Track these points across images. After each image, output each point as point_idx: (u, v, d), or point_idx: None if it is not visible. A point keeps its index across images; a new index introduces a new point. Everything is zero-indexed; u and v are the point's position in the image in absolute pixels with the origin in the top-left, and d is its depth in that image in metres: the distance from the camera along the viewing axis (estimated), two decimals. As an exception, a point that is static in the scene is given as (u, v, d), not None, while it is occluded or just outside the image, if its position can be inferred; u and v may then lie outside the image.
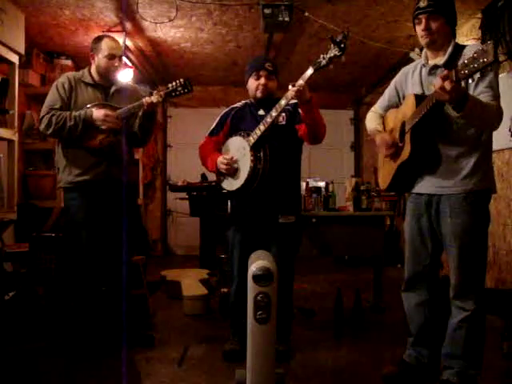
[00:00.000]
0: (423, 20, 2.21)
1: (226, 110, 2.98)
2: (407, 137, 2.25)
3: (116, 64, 2.88)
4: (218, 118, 2.97)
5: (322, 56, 2.42)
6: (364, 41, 4.79)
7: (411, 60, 4.85)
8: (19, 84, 4.22)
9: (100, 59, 2.87)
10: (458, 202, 2.20)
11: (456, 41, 2.28)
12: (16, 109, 4.06)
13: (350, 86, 7.14)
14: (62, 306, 3.17)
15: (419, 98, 2.21)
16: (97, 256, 2.85)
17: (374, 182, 5.56)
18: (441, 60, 2.25)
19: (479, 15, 4.09)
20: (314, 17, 4.18)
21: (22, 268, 3.59)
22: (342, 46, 2.34)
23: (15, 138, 4.05)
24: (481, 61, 1.80)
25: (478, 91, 2.12)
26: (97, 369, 2.63)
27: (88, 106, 2.80)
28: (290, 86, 2.52)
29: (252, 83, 2.82)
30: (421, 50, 4.78)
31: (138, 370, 2.64)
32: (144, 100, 2.79)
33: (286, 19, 3.95)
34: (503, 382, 2.56)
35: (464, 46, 2.24)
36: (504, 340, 2.79)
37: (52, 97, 2.85)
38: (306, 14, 4.14)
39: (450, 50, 2.23)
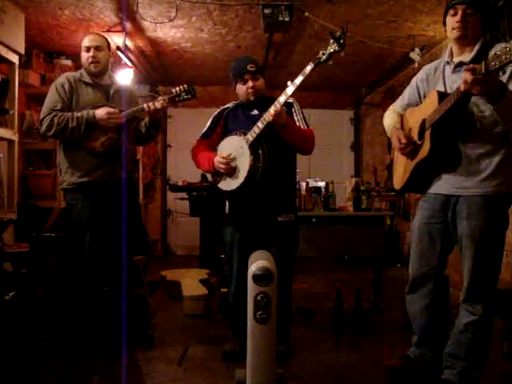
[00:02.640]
0: (460, 11, 2.13)
1: (218, 111, 2.95)
2: (427, 134, 2.19)
3: (91, 54, 2.85)
4: (209, 120, 2.95)
5: (321, 52, 2.42)
6: (364, 41, 4.78)
7: (411, 60, 4.86)
8: (19, 84, 4.21)
9: (81, 54, 2.90)
10: (477, 204, 2.15)
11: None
12: (16, 109, 4.05)
13: (350, 86, 7.14)
14: (62, 306, 3.17)
15: (442, 95, 2.14)
16: (99, 256, 2.85)
17: (374, 182, 5.57)
18: (467, 57, 2.18)
19: (479, 15, 4.08)
20: (314, 17, 4.17)
21: (21, 268, 3.59)
22: (342, 41, 2.35)
23: (15, 137, 4.05)
24: None
25: (510, 89, 2.02)
26: (97, 369, 2.63)
27: (87, 108, 2.78)
28: (288, 83, 2.53)
29: (240, 88, 2.81)
30: (421, 49, 4.81)
31: (138, 369, 2.65)
32: (148, 105, 2.78)
33: (286, 19, 3.95)
34: (502, 382, 2.56)
35: (492, 45, 2.17)
36: (504, 340, 2.79)
37: (52, 98, 2.83)
38: (306, 14, 4.13)
39: (478, 46, 2.16)
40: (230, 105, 2.94)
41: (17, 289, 3.27)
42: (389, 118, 2.56)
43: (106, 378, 2.54)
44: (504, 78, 2.06)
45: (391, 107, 2.61)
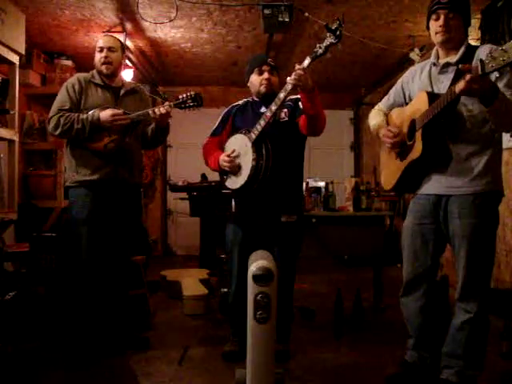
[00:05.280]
0: (442, 16, 2.16)
1: (228, 108, 2.96)
2: (418, 135, 2.20)
3: (104, 55, 2.87)
4: (220, 118, 2.96)
5: (318, 45, 2.39)
6: (364, 41, 4.79)
7: (411, 60, 4.87)
8: (19, 84, 4.22)
9: (95, 55, 2.92)
10: (468, 203, 2.17)
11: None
12: (16, 109, 4.06)
13: (350, 86, 7.14)
14: (61, 306, 3.17)
15: (432, 96, 2.16)
16: (96, 256, 2.85)
17: (374, 182, 5.58)
18: (453, 59, 2.21)
19: (479, 16, 4.09)
20: (314, 17, 4.18)
21: (22, 268, 3.59)
22: (338, 33, 2.31)
23: (16, 138, 4.05)
24: None
25: (501, 89, 2.03)
26: (97, 368, 2.64)
27: (93, 110, 2.80)
28: (287, 79, 2.49)
29: (255, 79, 2.81)
30: (420, 49, 4.82)
31: (138, 369, 2.64)
32: (154, 110, 2.79)
33: (286, 19, 3.95)
34: (502, 382, 2.56)
35: (476, 47, 2.21)
36: (503, 340, 2.79)
37: (61, 97, 2.87)
38: (306, 14, 4.14)
39: (463, 49, 2.19)
40: (240, 102, 2.95)
41: (17, 289, 3.27)
42: (374, 117, 2.57)
43: (106, 378, 2.54)
44: (500, 85, 2.06)
45: (376, 107, 2.64)
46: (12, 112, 3.95)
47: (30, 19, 4.34)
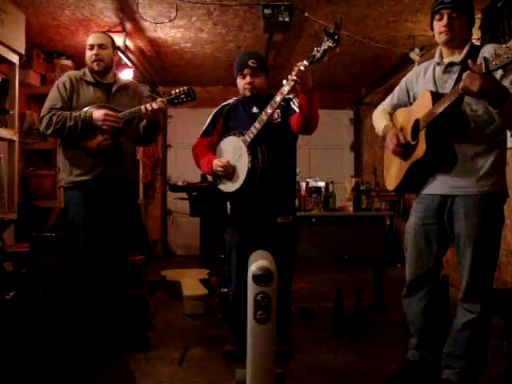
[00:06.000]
0: (445, 15, 2.16)
1: (218, 108, 2.92)
2: (422, 134, 2.19)
3: (94, 52, 2.85)
4: (210, 118, 2.92)
5: (315, 49, 2.35)
6: (364, 41, 4.79)
7: (411, 60, 4.87)
8: (19, 84, 4.22)
9: (86, 52, 2.91)
10: (474, 203, 2.16)
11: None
12: (16, 109, 4.06)
13: (350, 86, 7.14)
14: (61, 306, 3.17)
15: (436, 96, 2.15)
16: (94, 255, 2.84)
17: (374, 182, 5.57)
18: (457, 58, 2.20)
19: (479, 15, 4.09)
20: (314, 17, 4.17)
21: (22, 268, 3.59)
22: (336, 37, 2.27)
23: (15, 138, 4.05)
24: None
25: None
26: (96, 368, 2.63)
27: (87, 108, 2.79)
28: (284, 82, 2.46)
29: (239, 82, 2.79)
30: (420, 50, 4.82)
31: (138, 369, 2.64)
32: (146, 106, 2.76)
33: (286, 19, 3.95)
34: (502, 382, 2.56)
35: (481, 46, 2.20)
36: (504, 340, 2.79)
37: (53, 96, 2.85)
38: (306, 14, 4.14)
39: (467, 48, 2.19)
40: (230, 101, 2.92)
41: (17, 289, 3.27)
42: (380, 116, 2.56)
43: (106, 378, 2.54)
44: (506, 83, 2.05)
45: (380, 106, 2.62)
46: (12, 112, 3.94)
47: (30, 19, 4.33)
